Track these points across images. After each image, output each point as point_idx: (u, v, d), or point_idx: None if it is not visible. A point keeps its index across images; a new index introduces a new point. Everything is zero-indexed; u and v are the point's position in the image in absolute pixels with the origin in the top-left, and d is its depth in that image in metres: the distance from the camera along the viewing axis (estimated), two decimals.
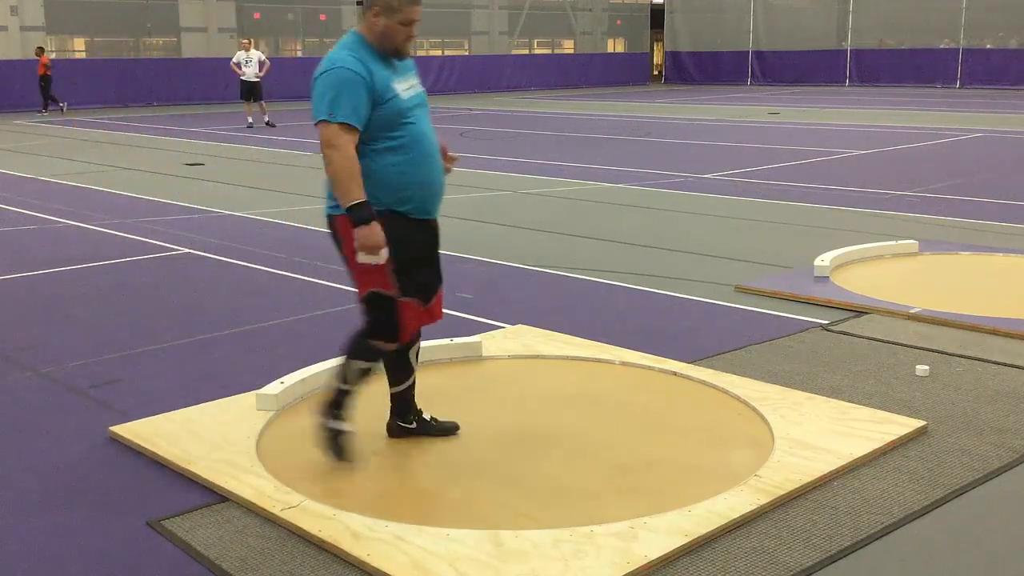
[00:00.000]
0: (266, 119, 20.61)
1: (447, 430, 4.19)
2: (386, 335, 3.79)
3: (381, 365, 3.97)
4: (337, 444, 3.82)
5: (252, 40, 21.61)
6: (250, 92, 20.44)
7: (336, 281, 7.10)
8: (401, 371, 4.08)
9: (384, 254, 3.61)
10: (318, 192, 11.42)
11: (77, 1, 29.50)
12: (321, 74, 3.60)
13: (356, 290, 3.82)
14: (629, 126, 20.38)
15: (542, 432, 4.27)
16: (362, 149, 3.62)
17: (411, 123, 3.71)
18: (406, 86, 3.73)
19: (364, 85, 3.56)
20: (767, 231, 8.98)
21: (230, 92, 28.06)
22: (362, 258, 3.62)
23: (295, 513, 3.43)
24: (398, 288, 3.72)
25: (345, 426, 3.84)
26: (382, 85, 3.61)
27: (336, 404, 3.84)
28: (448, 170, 3.94)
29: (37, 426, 4.43)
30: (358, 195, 3.55)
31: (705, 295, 6.59)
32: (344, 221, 3.65)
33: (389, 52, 3.69)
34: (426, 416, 4.18)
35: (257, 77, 20.26)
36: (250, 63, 20.23)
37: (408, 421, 4.15)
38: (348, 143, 3.54)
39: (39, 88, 24.78)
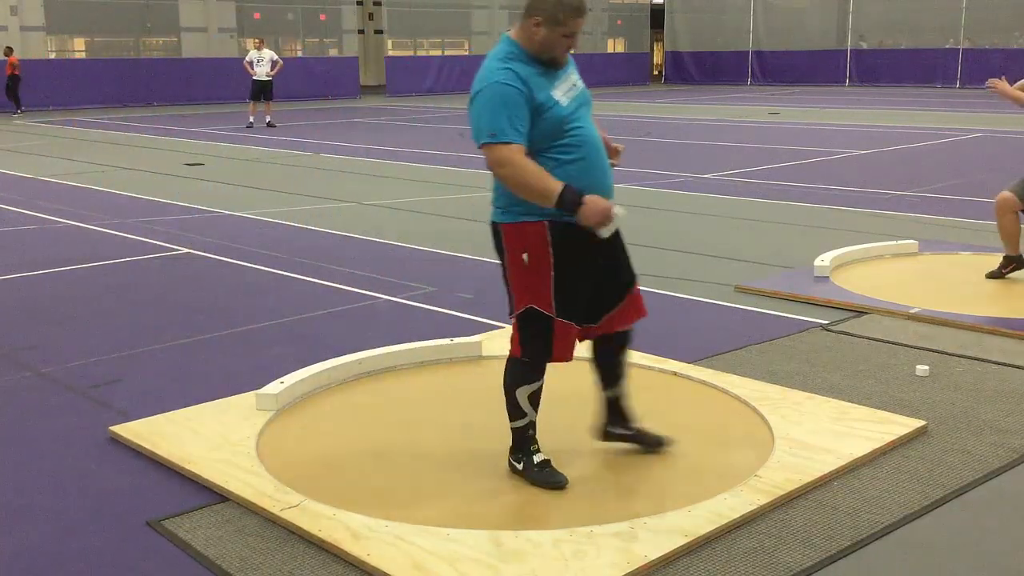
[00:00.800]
0: (268, 119, 20.64)
1: (656, 442, 3.99)
2: (538, 355, 3.65)
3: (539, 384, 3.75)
4: (544, 476, 3.69)
5: (264, 40, 21.70)
6: (260, 91, 20.47)
7: (336, 281, 7.10)
8: (608, 374, 3.95)
9: (618, 210, 3.46)
10: (318, 192, 11.50)
11: (77, 1, 29.51)
12: (477, 93, 3.47)
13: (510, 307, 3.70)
14: (629, 126, 20.38)
15: (541, 432, 4.26)
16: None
17: (576, 128, 3.54)
18: (565, 89, 3.57)
19: (522, 98, 3.42)
20: (767, 231, 8.98)
21: (230, 92, 28.13)
22: (603, 232, 3.49)
23: (295, 513, 3.43)
24: (555, 307, 3.57)
25: (541, 456, 3.73)
26: (541, 96, 3.47)
27: (520, 443, 3.76)
28: (614, 164, 3.74)
29: (37, 426, 4.43)
30: (555, 186, 3.40)
31: (705, 295, 6.59)
32: (509, 229, 3.57)
33: (546, 61, 3.53)
34: (639, 425, 4.02)
35: (268, 76, 20.30)
36: (261, 62, 20.30)
37: (626, 427, 4.01)
38: (517, 154, 3.41)
39: (5, 88, 24.72)
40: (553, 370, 5.03)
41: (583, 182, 3.49)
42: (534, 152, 3.49)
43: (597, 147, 3.60)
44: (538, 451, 3.75)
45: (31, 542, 3.37)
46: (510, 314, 3.70)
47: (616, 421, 4.00)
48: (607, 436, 4.02)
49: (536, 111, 3.45)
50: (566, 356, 3.68)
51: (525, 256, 3.55)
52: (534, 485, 3.69)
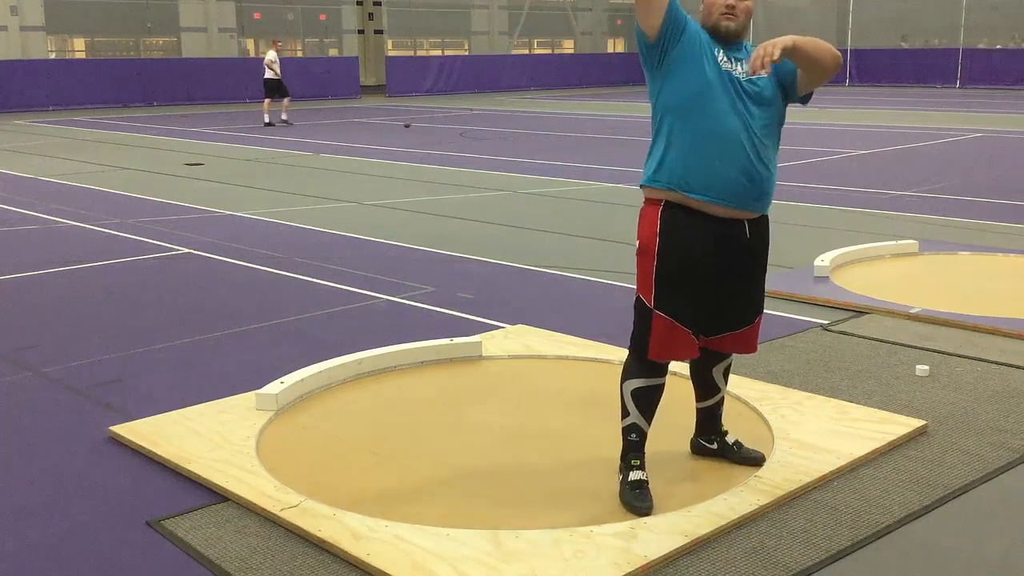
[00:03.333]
0: (284, 117, 20.97)
1: (750, 459, 3.83)
2: (636, 346, 3.53)
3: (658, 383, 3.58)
4: (630, 498, 3.49)
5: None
6: (278, 89, 21.02)
7: (336, 281, 7.10)
8: (700, 386, 3.85)
9: None
10: (318, 192, 11.52)
11: (77, 1, 29.51)
12: None
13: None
14: (629, 126, 20.39)
15: (542, 432, 4.27)
16: (666, 123, 3.44)
17: (709, 109, 3.37)
18: (725, 68, 3.38)
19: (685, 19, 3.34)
20: None
21: (230, 92, 28.15)
22: None
23: (295, 513, 3.43)
24: (655, 298, 3.46)
25: (638, 475, 3.53)
26: (698, 54, 3.35)
27: (624, 450, 3.59)
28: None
29: (37, 426, 4.43)
30: None
31: None
32: (646, 210, 3.48)
33: (711, 32, 3.42)
34: (730, 440, 3.88)
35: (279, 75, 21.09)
36: (276, 62, 21.05)
37: (709, 441, 3.90)
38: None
39: None
40: (555, 371, 5.05)
41: (696, 161, 3.38)
42: (667, 110, 3.42)
43: (727, 141, 3.36)
44: (638, 467, 3.55)
45: (31, 542, 3.37)
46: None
47: (701, 434, 3.94)
48: (696, 448, 3.96)
49: (684, 56, 3.34)
50: (665, 354, 3.49)
51: (638, 241, 3.50)
52: (622, 504, 3.52)
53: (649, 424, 3.61)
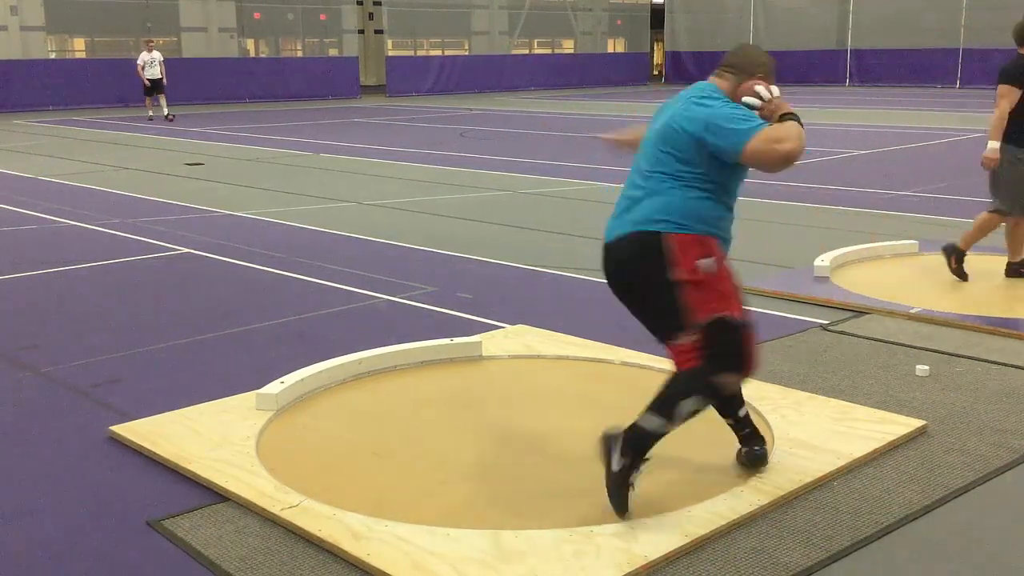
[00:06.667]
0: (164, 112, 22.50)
1: (746, 462, 3.81)
2: (734, 367, 3.44)
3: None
4: (616, 491, 3.42)
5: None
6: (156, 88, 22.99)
7: (336, 281, 7.11)
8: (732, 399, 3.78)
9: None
10: (318, 192, 11.51)
11: (77, 1, 29.49)
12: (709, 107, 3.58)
13: (659, 331, 3.57)
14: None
15: (542, 432, 4.27)
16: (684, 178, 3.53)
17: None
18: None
19: None
20: (767, 231, 8.97)
21: (230, 92, 28.15)
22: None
23: (295, 513, 3.43)
24: (742, 312, 3.42)
25: (640, 472, 3.45)
26: None
27: (638, 444, 3.42)
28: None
29: (37, 426, 4.43)
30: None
31: None
32: (680, 240, 3.39)
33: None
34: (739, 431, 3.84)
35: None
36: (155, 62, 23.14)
37: (724, 416, 3.82)
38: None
39: None
40: (555, 371, 5.05)
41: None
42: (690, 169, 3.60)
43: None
44: (645, 460, 3.45)
45: (31, 542, 3.37)
46: (671, 332, 3.47)
47: (725, 409, 3.84)
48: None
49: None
50: (758, 364, 3.50)
51: (705, 262, 3.40)
52: (606, 487, 3.44)
53: None
